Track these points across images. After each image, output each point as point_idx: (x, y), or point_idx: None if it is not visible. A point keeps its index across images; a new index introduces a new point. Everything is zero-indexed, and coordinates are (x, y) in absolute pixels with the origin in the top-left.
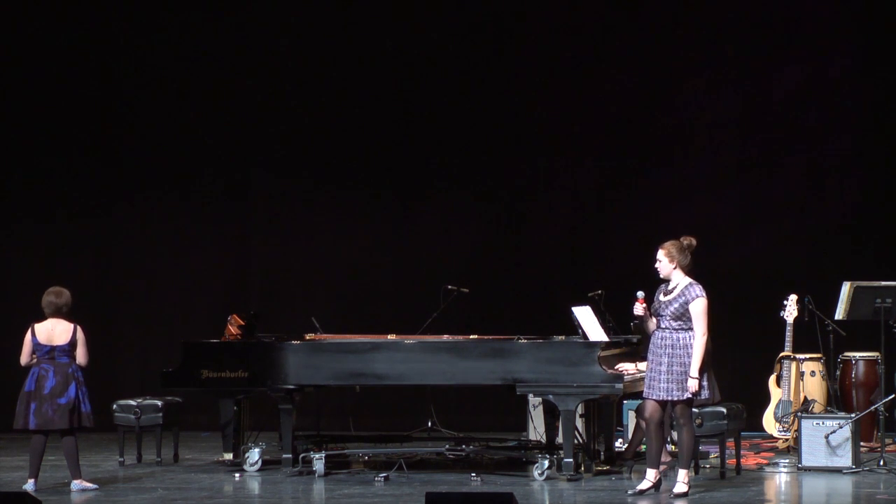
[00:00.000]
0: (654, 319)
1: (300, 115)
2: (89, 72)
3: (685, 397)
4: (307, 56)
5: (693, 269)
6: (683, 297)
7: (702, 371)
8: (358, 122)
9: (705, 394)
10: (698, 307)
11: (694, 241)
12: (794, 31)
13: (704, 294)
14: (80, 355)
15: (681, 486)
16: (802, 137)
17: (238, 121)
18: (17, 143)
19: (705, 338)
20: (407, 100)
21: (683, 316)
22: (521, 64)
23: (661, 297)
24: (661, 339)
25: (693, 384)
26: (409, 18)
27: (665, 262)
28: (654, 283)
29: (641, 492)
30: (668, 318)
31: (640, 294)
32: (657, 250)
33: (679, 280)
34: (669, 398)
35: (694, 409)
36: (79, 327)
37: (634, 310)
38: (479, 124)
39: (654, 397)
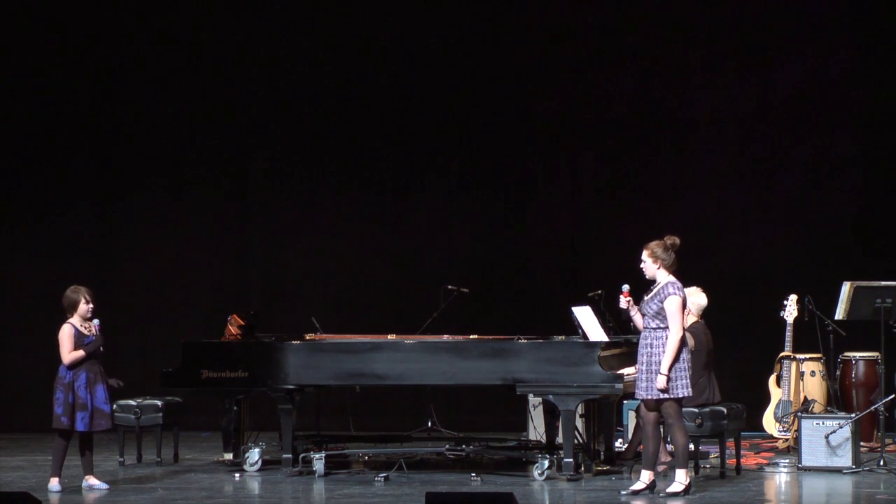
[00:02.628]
0: (639, 315)
1: (299, 115)
2: (89, 71)
3: (661, 396)
4: (307, 56)
5: (679, 269)
6: (660, 296)
7: (672, 368)
8: (357, 121)
9: (682, 392)
10: (672, 305)
11: (678, 241)
12: (795, 30)
13: (680, 293)
14: (62, 355)
15: (676, 486)
16: (803, 137)
17: (237, 121)
18: (17, 143)
19: (679, 335)
20: (406, 99)
21: (660, 314)
22: (522, 63)
23: (645, 297)
24: (644, 337)
25: (661, 381)
26: (409, 18)
27: (649, 263)
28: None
29: (635, 492)
30: (649, 317)
31: (626, 287)
32: (642, 251)
33: (662, 279)
34: (649, 396)
35: (693, 409)
36: (63, 327)
37: (619, 303)
38: (478, 124)
39: (637, 396)
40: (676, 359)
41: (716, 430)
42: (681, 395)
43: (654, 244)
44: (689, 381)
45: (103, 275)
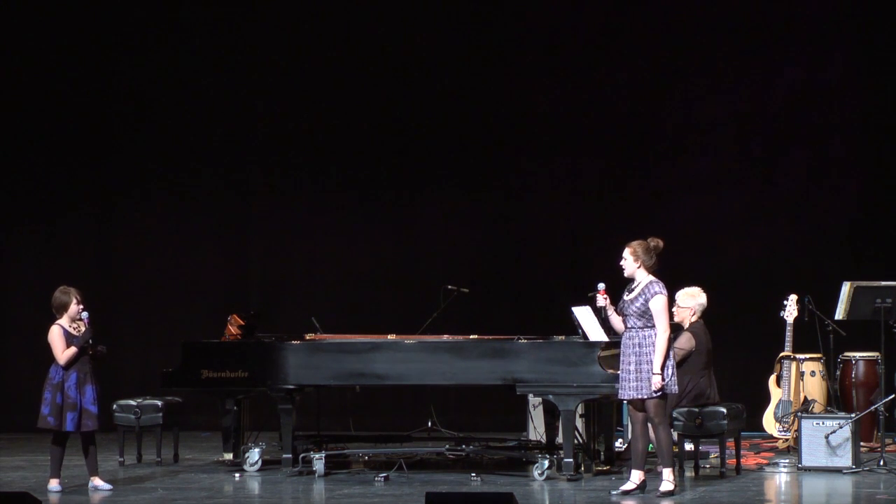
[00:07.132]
0: (616, 315)
1: (299, 114)
2: (89, 71)
3: (653, 395)
4: (307, 56)
5: (679, 269)
6: (644, 296)
7: (664, 367)
8: (357, 121)
9: (674, 388)
10: (658, 304)
11: (661, 243)
12: (794, 31)
13: (664, 291)
14: (56, 356)
15: (666, 485)
16: (802, 137)
17: (238, 120)
18: (16, 143)
19: (667, 334)
20: (407, 99)
21: (646, 314)
22: (521, 63)
23: (625, 296)
24: (629, 338)
25: (656, 380)
26: (409, 17)
27: (630, 261)
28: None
29: (626, 492)
30: (632, 316)
31: (601, 286)
32: (623, 249)
33: (642, 279)
34: (639, 396)
35: (694, 409)
36: (51, 328)
37: (596, 301)
38: (478, 124)
39: (626, 397)
40: (666, 357)
41: (716, 430)
42: (673, 392)
43: (636, 243)
44: (675, 378)
45: (103, 275)
